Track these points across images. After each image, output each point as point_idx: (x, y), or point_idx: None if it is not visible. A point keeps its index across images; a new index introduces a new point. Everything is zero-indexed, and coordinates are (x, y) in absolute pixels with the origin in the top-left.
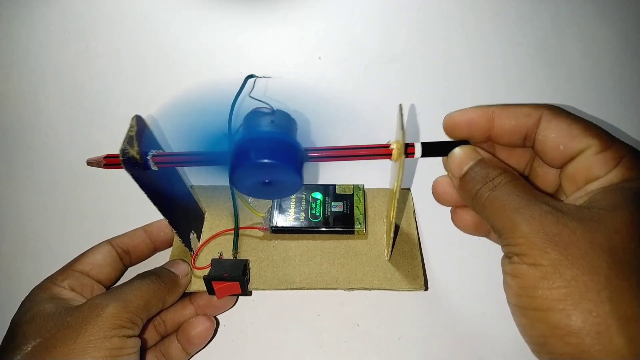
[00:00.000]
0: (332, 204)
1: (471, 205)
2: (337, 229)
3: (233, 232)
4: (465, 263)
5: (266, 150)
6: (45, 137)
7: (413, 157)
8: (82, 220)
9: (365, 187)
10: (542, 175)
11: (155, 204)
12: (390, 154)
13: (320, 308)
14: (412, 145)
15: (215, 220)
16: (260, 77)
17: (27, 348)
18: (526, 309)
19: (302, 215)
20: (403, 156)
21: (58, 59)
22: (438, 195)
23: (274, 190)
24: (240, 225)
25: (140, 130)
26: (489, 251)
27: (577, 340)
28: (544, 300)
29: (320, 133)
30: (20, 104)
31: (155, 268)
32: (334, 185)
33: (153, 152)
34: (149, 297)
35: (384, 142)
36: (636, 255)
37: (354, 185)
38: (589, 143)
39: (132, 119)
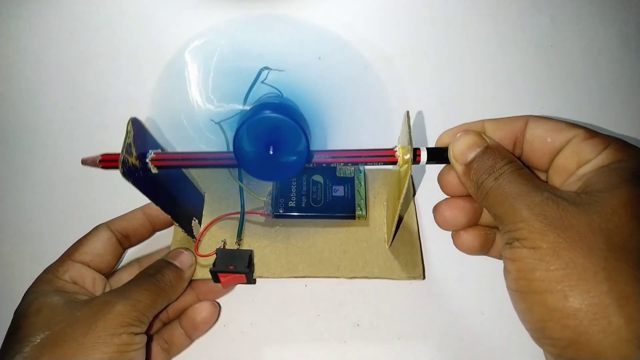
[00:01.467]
0: (333, 187)
1: (474, 193)
2: (338, 214)
3: (234, 215)
4: (466, 263)
5: (273, 108)
6: (45, 137)
7: (419, 163)
8: (82, 220)
9: (365, 167)
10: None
11: (156, 203)
12: (396, 161)
13: (320, 308)
14: (418, 149)
15: (215, 203)
16: (274, 70)
17: (36, 340)
18: (524, 293)
19: (304, 200)
20: (410, 164)
21: (58, 59)
22: (443, 221)
23: (277, 167)
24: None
25: (137, 134)
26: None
27: (574, 322)
28: (541, 283)
29: (324, 130)
30: (20, 104)
31: (160, 262)
32: (334, 167)
33: (152, 153)
34: (155, 295)
35: (384, 141)
36: (633, 235)
37: (354, 167)
38: (575, 132)
39: (128, 124)
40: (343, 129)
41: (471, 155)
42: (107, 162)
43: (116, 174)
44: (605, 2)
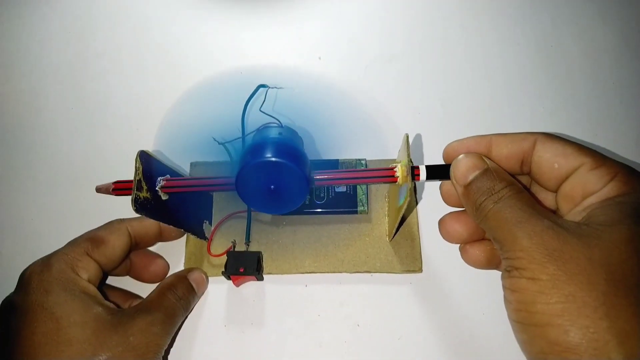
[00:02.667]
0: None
1: (473, 215)
2: (341, 210)
3: (242, 214)
4: (466, 264)
5: (273, 150)
6: (45, 137)
7: (418, 180)
8: (83, 220)
9: (367, 159)
10: (540, 201)
11: (170, 224)
12: (396, 180)
13: (320, 308)
14: (417, 168)
15: (223, 201)
16: (272, 88)
17: None
18: (526, 325)
19: (308, 196)
20: (410, 182)
21: (58, 59)
22: (447, 235)
23: (280, 200)
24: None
25: (145, 167)
26: None
27: (575, 356)
28: (542, 316)
29: (325, 142)
30: (20, 104)
31: (186, 283)
32: (337, 161)
33: (161, 181)
34: (177, 320)
35: (383, 143)
36: (634, 272)
37: (356, 160)
38: (583, 161)
39: (136, 160)
40: (343, 130)
41: (471, 177)
42: (119, 190)
43: (117, 175)
44: (605, 2)
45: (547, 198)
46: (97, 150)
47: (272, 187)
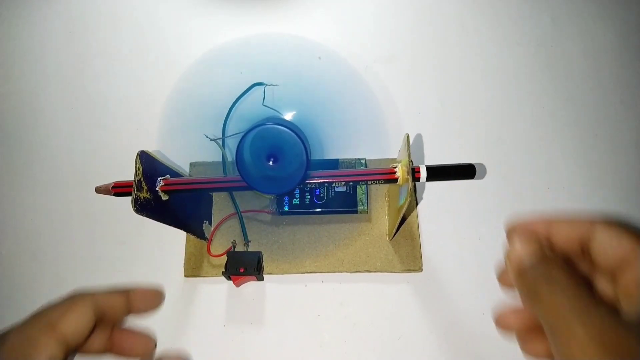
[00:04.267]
0: (335, 183)
1: (526, 298)
2: (340, 209)
3: (242, 214)
4: (466, 264)
5: (273, 121)
6: (45, 137)
7: (419, 180)
8: (83, 220)
9: (367, 159)
10: (601, 289)
11: (171, 225)
12: (396, 179)
13: (321, 308)
14: (417, 167)
15: (223, 201)
16: (268, 85)
17: None
18: None
19: (307, 196)
20: (410, 183)
21: (58, 59)
22: (505, 327)
23: (277, 180)
24: (249, 208)
25: (145, 167)
26: (489, 252)
27: None
28: None
29: (325, 142)
30: (20, 104)
31: None
32: (337, 160)
33: (160, 182)
34: None
35: (383, 142)
36: None
37: (356, 159)
38: (638, 254)
39: (136, 160)
40: (342, 130)
41: (527, 262)
42: (119, 187)
43: (117, 175)
44: (605, 2)
45: (608, 287)
46: (97, 150)
47: (271, 161)
